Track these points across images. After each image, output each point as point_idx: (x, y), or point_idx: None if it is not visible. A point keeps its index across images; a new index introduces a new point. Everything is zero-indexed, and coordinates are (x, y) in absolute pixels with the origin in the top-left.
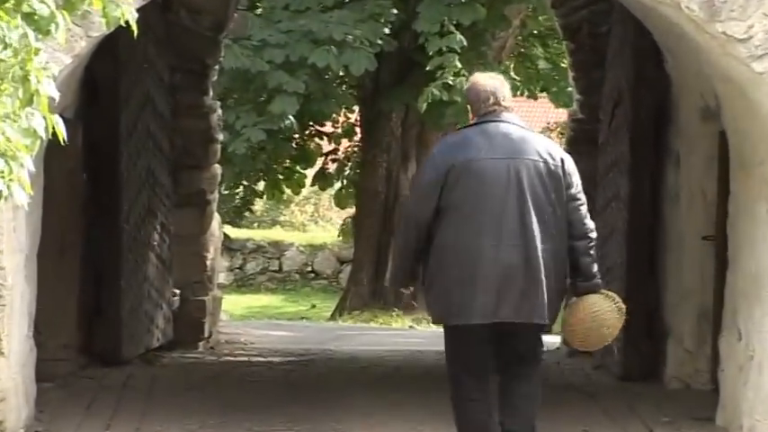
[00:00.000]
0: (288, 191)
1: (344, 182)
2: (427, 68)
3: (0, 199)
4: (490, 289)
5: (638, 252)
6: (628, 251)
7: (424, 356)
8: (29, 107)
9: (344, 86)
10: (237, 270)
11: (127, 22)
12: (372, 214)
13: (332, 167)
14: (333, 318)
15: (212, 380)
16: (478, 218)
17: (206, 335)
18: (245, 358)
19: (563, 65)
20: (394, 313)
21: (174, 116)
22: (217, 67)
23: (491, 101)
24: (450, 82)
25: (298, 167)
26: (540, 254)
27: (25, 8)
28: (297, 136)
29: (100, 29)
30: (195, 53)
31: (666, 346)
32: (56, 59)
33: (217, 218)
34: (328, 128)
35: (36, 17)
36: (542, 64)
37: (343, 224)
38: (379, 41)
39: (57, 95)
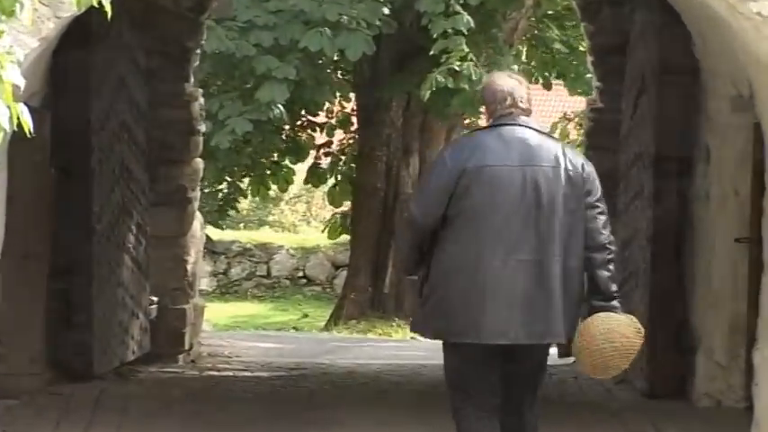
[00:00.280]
0: (275, 188)
1: (339, 177)
2: (431, 52)
3: None
4: (500, 306)
5: (663, 256)
6: (652, 255)
7: (428, 371)
8: None
9: (339, 72)
10: (221, 275)
11: (99, 2)
12: (370, 213)
13: (325, 162)
14: (326, 328)
15: (193, 397)
16: (490, 229)
17: (186, 347)
18: (230, 373)
19: (581, 49)
20: (394, 323)
21: (151, 105)
22: (198, 51)
23: (508, 102)
24: (457, 67)
25: (287, 162)
26: (557, 270)
27: None
28: (287, 127)
29: (70, 9)
30: (175, 36)
31: (695, 359)
32: (21, 43)
33: (198, 218)
34: (321, 118)
35: None
36: (558, 47)
37: (331, 219)
38: (378, 23)
39: (22, 82)
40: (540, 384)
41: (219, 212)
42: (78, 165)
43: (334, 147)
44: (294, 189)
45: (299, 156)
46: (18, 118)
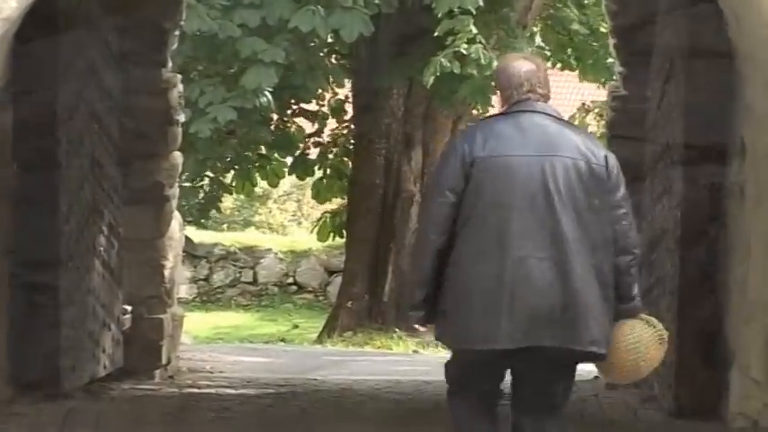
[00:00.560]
0: (263, 183)
1: (327, 171)
2: (435, 34)
3: None
4: (519, 310)
5: (693, 260)
6: (681, 259)
7: (432, 388)
8: None
9: (334, 56)
10: (202, 282)
11: None
12: (368, 213)
13: (314, 153)
14: (319, 340)
15: (171, 416)
16: (506, 224)
17: (164, 361)
18: (212, 390)
19: (602, 30)
20: (395, 335)
21: (124, 93)
22: (177, 32)
23: (525, 87)
24: (464, 51)
25: (276, 155)
26: (579, 268)
27: None
28: (275, 116)
29: None
30: (150, 15)
31: (729, 375)
32: None
33: (177, 218)
34: (313, 106)
35: None
36: (577, 29)
37: (320, 219)
38: (376, 1)
39: None
40: (563, 395)
41: (200, 212)
42: (44, 159)
43: (325, 137)
44: (283, 185)
45: (289, 148)
46: None
